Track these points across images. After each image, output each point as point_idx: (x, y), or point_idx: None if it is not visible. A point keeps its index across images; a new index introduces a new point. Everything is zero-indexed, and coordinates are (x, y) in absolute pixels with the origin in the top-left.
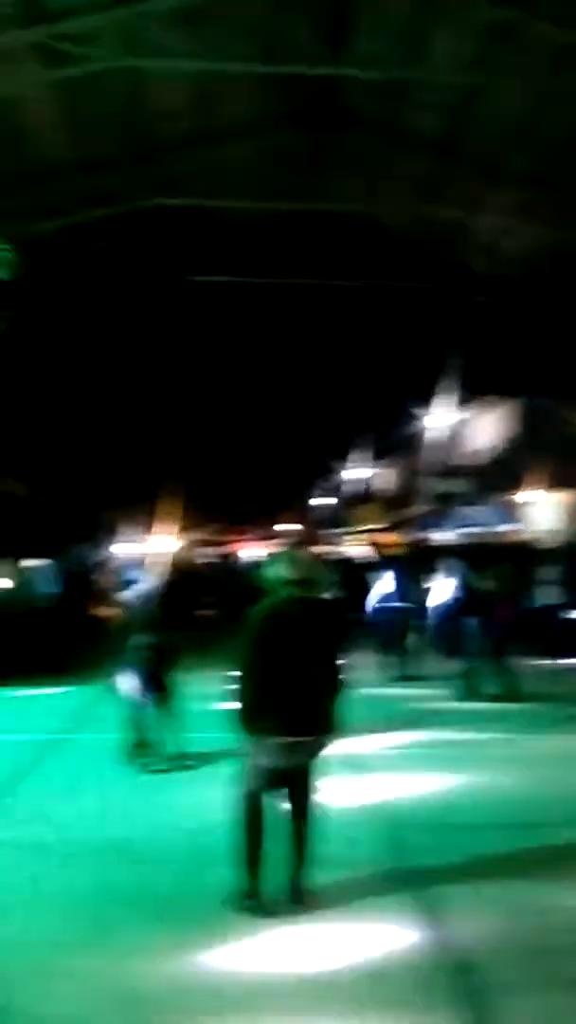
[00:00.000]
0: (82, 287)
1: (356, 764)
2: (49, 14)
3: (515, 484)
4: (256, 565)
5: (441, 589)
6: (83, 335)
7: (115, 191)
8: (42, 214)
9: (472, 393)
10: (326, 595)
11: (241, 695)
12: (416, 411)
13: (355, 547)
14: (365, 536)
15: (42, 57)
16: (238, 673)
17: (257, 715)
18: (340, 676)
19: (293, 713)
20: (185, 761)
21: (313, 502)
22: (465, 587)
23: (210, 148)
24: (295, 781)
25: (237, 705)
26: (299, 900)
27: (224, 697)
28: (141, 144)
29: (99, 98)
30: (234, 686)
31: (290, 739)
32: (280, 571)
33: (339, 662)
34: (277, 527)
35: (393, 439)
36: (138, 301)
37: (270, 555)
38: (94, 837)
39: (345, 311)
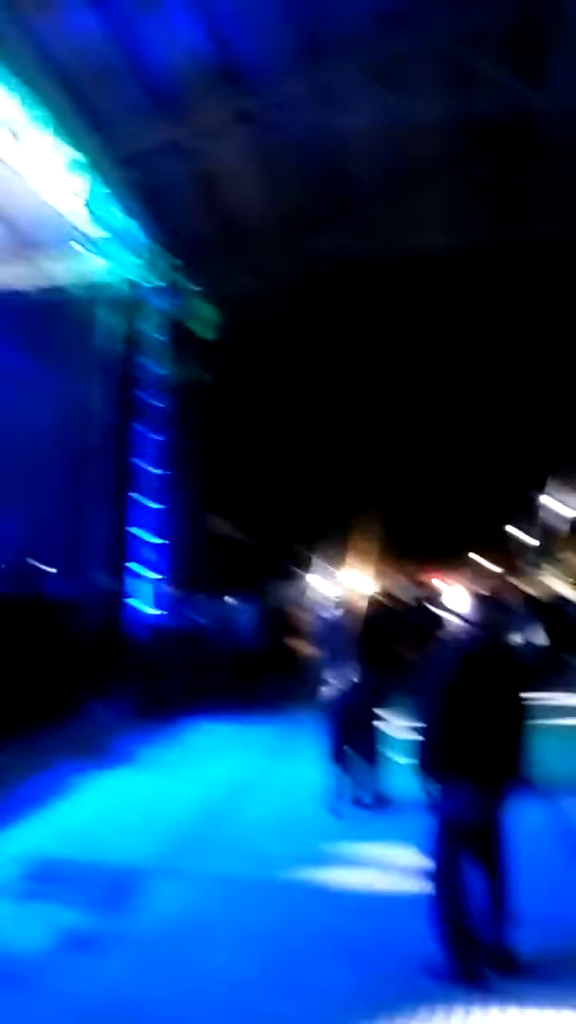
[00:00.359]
0: (283, 339)
1: (556, 815)
2: (249, 85)
3: None
4: (450, 603)
5: None
6: (283, 381)
7: (316, 246)
8: (244, 274)
9: None
10: (524, 635)
11: (430, 740)
12: None
13: (561, 584)
14: (571, 571)
15: (244, 126)
16: (428, 716)
17: (445, 761)
18: (529, 722)
19: (482, 760)
20: (382, 805)
21: (514, 536)
22: None
23: (405, 193)
24: (487, 835)
25: (426, 750)
26: (503, 966)
27: (417, 741)
28: (339, 199)
29: (295, 159)
30: (424, 730)
31: (480, 787)
32: (472, 611)
33: (528, 707)
34: (475, 563)
35: None
36: (337, 348)
37: (463, 593)
38: (290, 875)
39: (546, 339)
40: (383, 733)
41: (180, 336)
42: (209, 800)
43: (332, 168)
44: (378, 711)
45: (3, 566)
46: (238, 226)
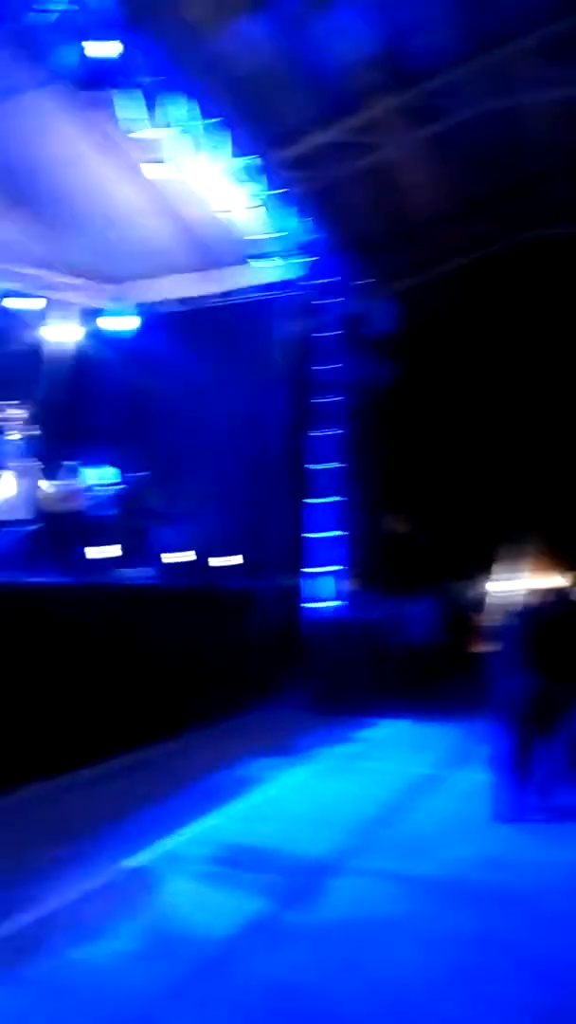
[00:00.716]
0: (461, 329)
1: None
2: (416, 77)
3: None
4: None
5: None
6: (462, 373)
7: (491, 232)
8: (421, 267)
9: None
10: None
11: None
12: None
13: None
14: None
15: (412, 118)
16: None
17: None
18: None
19: None
20: (558, 812)
21: None
22: None
23: None
24: None
25: None
26: None
27: None
28: (513, 181)
29: (468, 145)
30: None
31: None
32: None
33: None
34: None
35: None
36: (517, 338)
37: None
38: (468, 879)
39: None
40: (559, 739)
41: (355, 332)
42: (385, 798)
43: (506, 151)
44: (555, 717)
45: (194, 561)
46: (411, 217)
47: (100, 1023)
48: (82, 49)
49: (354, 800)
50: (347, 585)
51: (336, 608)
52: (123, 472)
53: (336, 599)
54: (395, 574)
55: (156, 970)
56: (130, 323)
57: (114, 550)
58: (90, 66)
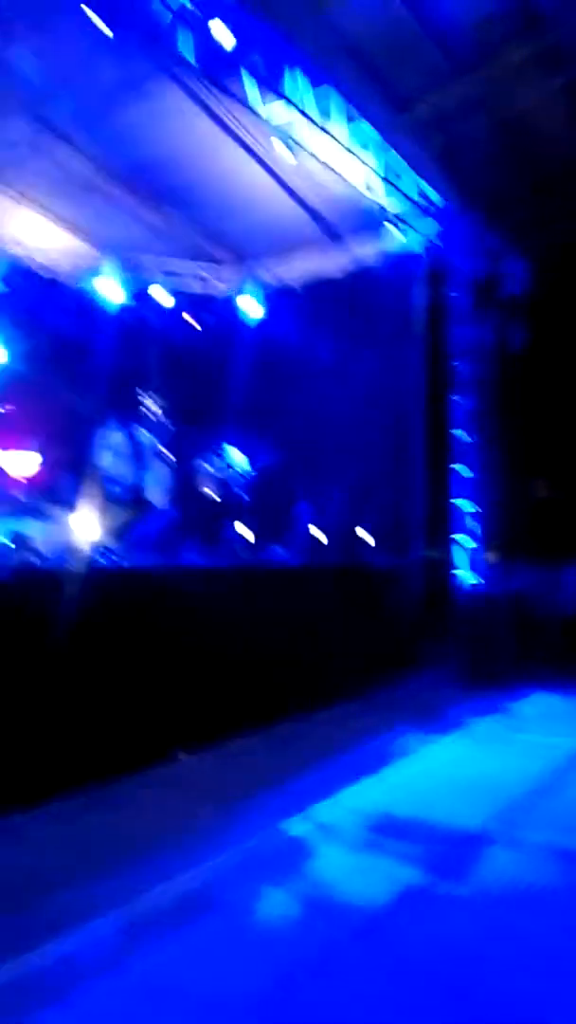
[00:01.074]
0: None
1: None
2: (547, 24)
3: None
4: None
5: None
6: None
7: None
8: (552, 224)
9: None
10: None
11: None
12: None
13: None
14: None
15: (544, 65)
16: None
17: None
18: None
19: None
20: None
21: None
22: None
23: None
24: None
25: None
26: None
27: None
28: None
29: None
30: None
31: None
32: None
33: None
34: None
35: None
36: None
37: None
38: None
39: None
40: None
41: (489, 296)
42: (539, 772)
43: None
44: None
45: (335, 537)
46: (541, 173)
47: (269, 982)
48: (202, 33)
49: (507, 772)
50: (491, 555)
51: (481, 579)
52: (261, 452)
53: (480, 570)
54: (542, 542)
55: (315, 934)
56: (262, 304)
57: (257, 531)
58: (211, 50)
